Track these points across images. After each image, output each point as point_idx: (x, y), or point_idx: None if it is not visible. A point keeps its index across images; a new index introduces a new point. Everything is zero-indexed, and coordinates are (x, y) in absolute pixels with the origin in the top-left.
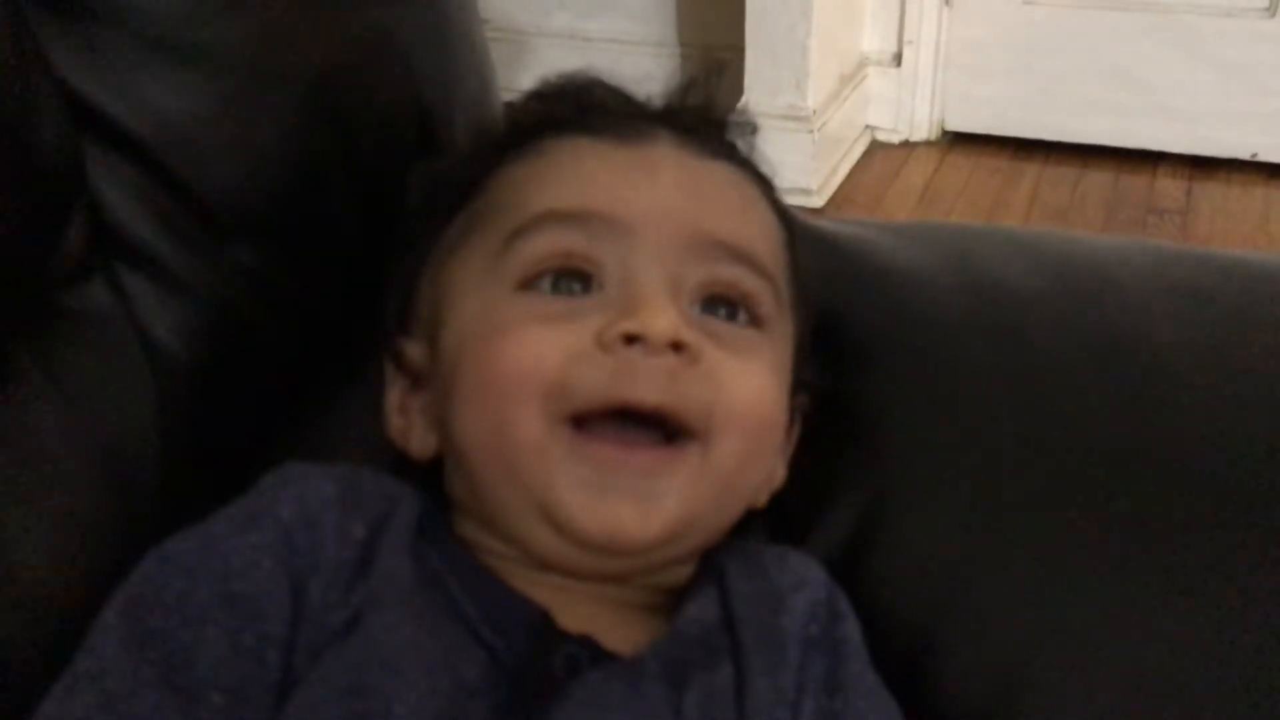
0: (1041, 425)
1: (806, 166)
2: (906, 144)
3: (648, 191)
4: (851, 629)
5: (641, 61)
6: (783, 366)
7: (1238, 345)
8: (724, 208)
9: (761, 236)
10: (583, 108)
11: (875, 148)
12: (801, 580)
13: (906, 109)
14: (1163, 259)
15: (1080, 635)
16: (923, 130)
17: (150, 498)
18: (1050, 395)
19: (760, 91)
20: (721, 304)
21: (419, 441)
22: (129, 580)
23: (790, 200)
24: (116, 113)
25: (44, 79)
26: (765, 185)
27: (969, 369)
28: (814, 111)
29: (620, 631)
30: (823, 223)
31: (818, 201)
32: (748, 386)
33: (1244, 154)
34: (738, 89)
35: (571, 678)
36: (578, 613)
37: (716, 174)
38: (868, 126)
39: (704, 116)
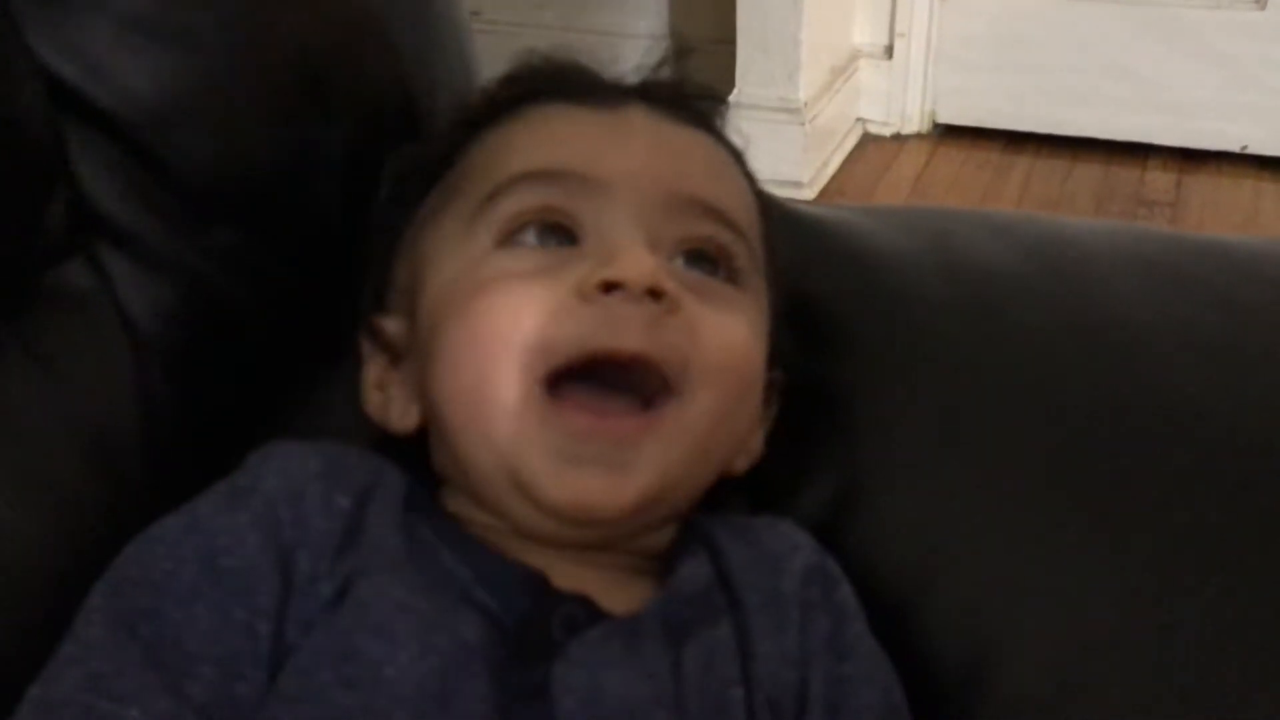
0: (1016, 401)
1: (798, 159)
2: (898, 137)
3: (623, 152)
4: (848, 592)
5: (633, 55)
6: (760, 324)
7: (1214, 325)
8: (697, 168)
9: (735, 196)
10: (557, 79)
11: (867, 140)
12: (794, 545)
13: (898, 101)
14: (1141, 240)
15: (1050, 596)
16: (914, 123)
17: (134, 475)
18: (1025, 372)
19: (752, 84)
20: (699, 260)
21: (399, 415)
22: (115, 563)
23: (781, 192)
24: (95, 94)
25: (23, 61)
26: (736, 155)
27: (945, 347)
28: (805, 104)
29: (615, 592)
30: (803, 206)
31: (809, 194)
32: (726, 337)
33: (1234, 146)
34: (729, 81)
35: (570, 636)
36: (571, 573)
37: (688, 137)
38: (859, 119)
39: (675, 91)
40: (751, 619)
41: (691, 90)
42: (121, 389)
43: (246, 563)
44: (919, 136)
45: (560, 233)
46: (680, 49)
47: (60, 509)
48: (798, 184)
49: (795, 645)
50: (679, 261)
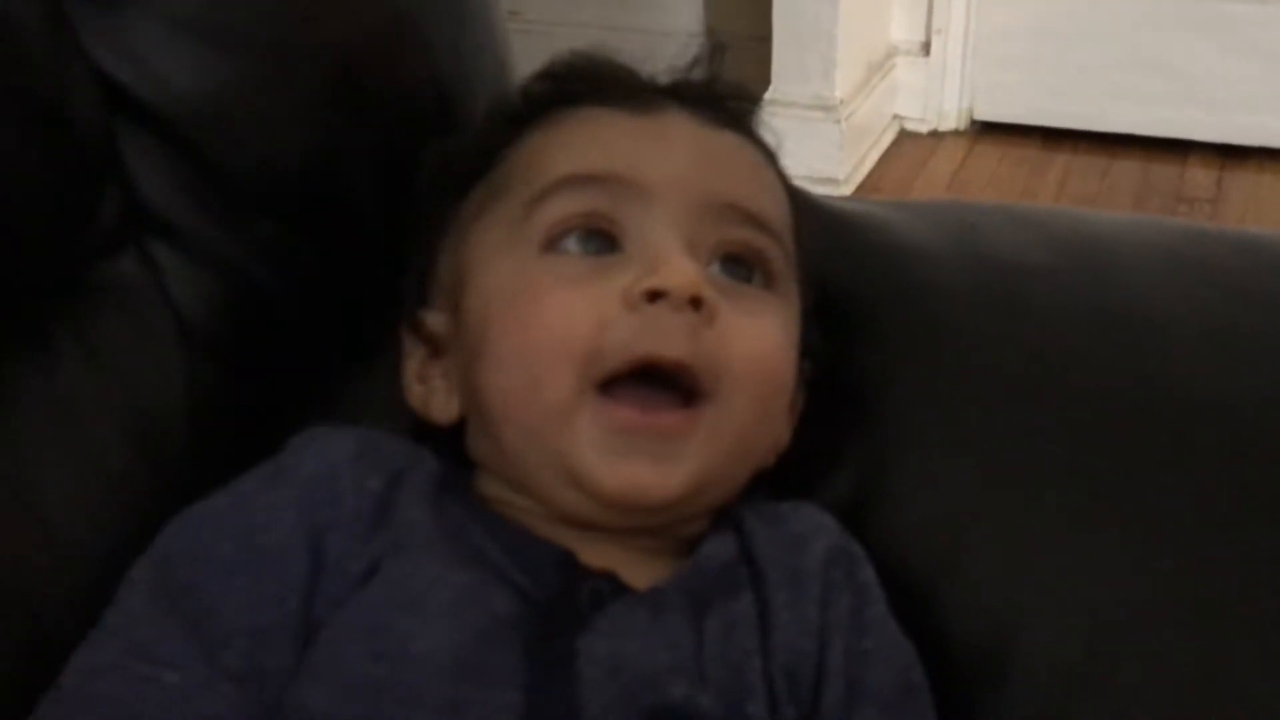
0: (1039, 392)
1: (834, 156)
2: (935, 133)
3: (663, 157)
4: (871, 575)
5: (670, 52)
6: (793, 328)
7: (1238, 317)
8: (735, 173)
9: (770, 200)
10: (594, 81)
11: (903, 137)
12: (818, 526)
13: (935, 98)
14: (1168, 233)
15: (1071, 580)
16: (951, 120)
17: (179, 459)
18: (1048, 363)
19: (787, 81)
20: (735, 264)
21: (441, 406)
22: (158, 538)
23: (817, 189)
24: (145, 92)
25: (77, 62)
26: (770, 156)
27: (970, 339)
28: (841, 101)
29: (641, 570)
30: (832, 200)
31: (845, 191)
32: (758, 345)
33: (1276, 142)
34: (765, 78)
35: (596, 609)
36: (599, 553)
37: (726, 142)
38: (896, 116)
39: (710, 91)
40: (772, 591)
41: (725, 90)
42: (169, 376)
43: (282, 539)
44: (956, 133)
45: (602, 236)
46: (714, 47)
47: (109, 490)
48: (834, 181)
49: (815, 617)
50: (715, 267)
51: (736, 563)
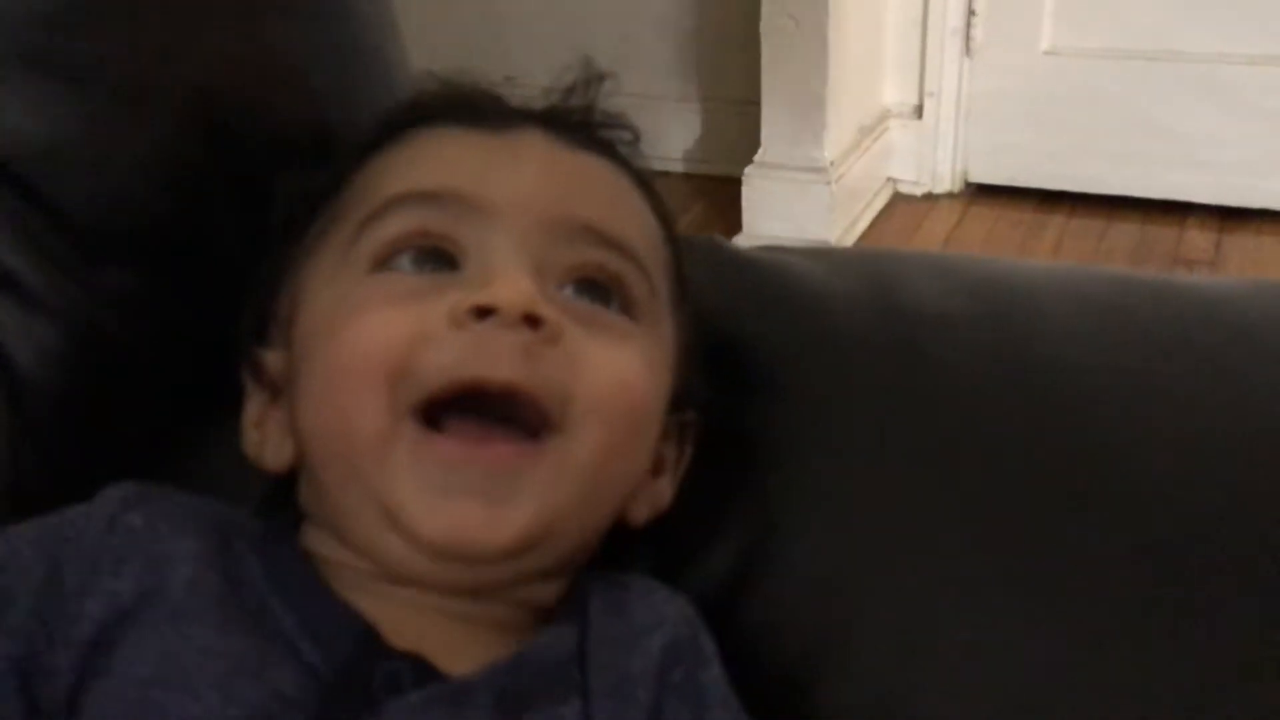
0: (940, 447)
1: (824, 218)
2: (929, 196)
3: (511, 174)
4: (715, 675)
5: (663, 116)
6: (658, 359)
7: (1151, 366)
8: (592, 194)
9: (632, 225)
10: (451, 103)
11: (897, 200)
12: (660, 619)
13: (928, 161)
14: (1094, 282)
15: (957, 653)
16: (945, 182)
17: None
18: (952, 415)
19: (778, 144)
20: (592, 289)
21: (273, 452)
22: None
23: None
24: None
25: None
26: (644, 185)
27: (869, 390)
28: (831, 163)
29: (461, 651)
30: (744, 248)
31: None
32: (612, 370)
33: (1275, 204)
34: (755, 141)
35: (391, 695)
36: (415, 628)
37: (586, 163)
38: (890, 178)
39: (582, 118)
40: (595, 703)
41: (598, 117)
42: None
43: (11, 580)
44: (951, 196)
45: (440, 258)
46: (591, 76)
47: None
48: (825, 243)
49: None
50: (569, 290)
51: (569, 662)
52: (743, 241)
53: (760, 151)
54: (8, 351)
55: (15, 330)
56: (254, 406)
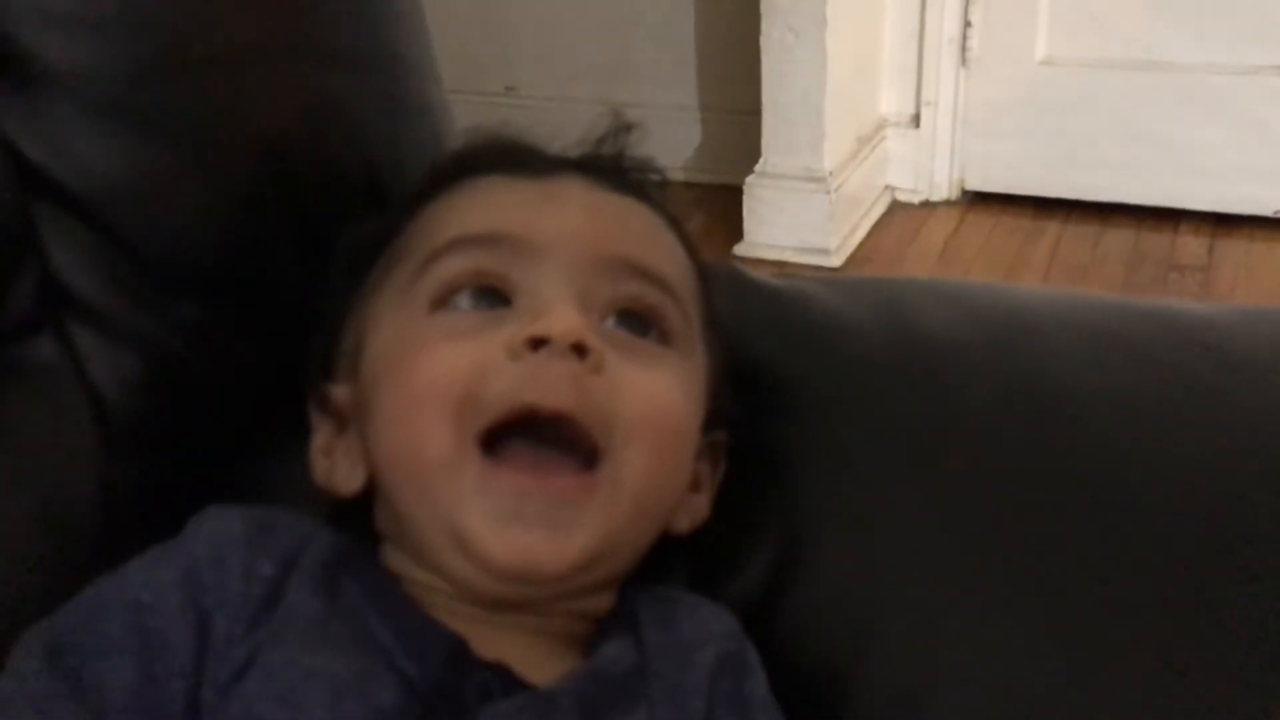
0: (954, 468)
1: (824, 226)
2: (927, 204)
3: (556, 216)
4: (759, 685)
5: (663, 125)
6: (693, 384)
7: (1156, 393)
8: (629, 232)
9: (667, 260)
10: (495, 153)
11: (895, 208)
12: (709, 634)
13: (926, 169)
14: (1093, 310)
15: (984, 666)
16: (942, 190)
17: (87, 542)
18: (964, 438)
19: (777, 153)
20: (631, 320)
21: (345, 478)
22: (51, 618)
23: (808, 259)
24: (63, 175)
25: None
26: (674, 224)
27: (887, 415)
28: (830, 172)
29: (538, 663)
30: (760, 277)
31: (835, 261)
32: (650, 393)
33: (1266, 211)
34: (755, 151)
35: (483, 703)
36: (496, 642)
37: (623, 204)
38: (887, 187)
39: (615, 164)
40: (657, 711)
41: (630, 162)
42: (82, 459)
43: (166, 623)
44: (948, 203)
45: (494, 296)
46: (621, 125)
47: (16, 575)
48: (824, 251)
49: None
50: (610, 321)
51: (633, 673)
52: (743, 249)
53: (760, 161)
54: (92, 378)
55: (98, 358)
56: (321, 436)
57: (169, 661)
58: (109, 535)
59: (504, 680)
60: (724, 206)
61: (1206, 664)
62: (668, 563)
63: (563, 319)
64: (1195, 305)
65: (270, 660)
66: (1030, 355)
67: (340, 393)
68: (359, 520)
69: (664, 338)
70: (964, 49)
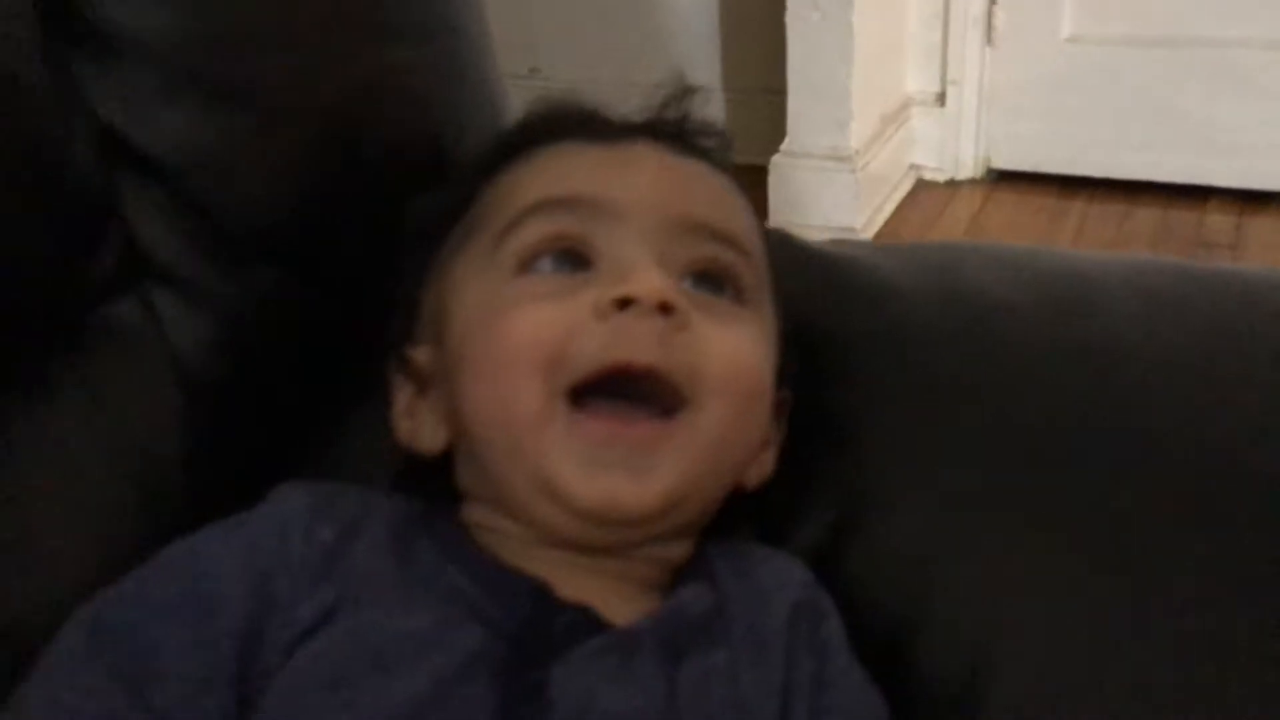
0: (1012, 429)
1: (850, 205)
2: (952, 182)
3: (633, 180)
4: (835, 628)
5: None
6: (767, 342)
7: (1210, 353)
8: (703, 194)
9: (738, 221)
10: (565, 121)
11: (920, 186)
12: (785, 581)
13: (951, 148)
14: (1149, 272)
15: (1044, 617)
16: (968, 169)
17: (174, 496)
18: (1020, 399)
19: (803, 132)
20: (707, 280)
21: (429, 437)
22: (105, 590)
23: (834, 238)
24: (145, 142)
25: (79, 114)
26: (738, 187)
27: (946, 377)
28: (856, 151)
29: (617, 605)
30: (814, 242)
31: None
32: (732, 350)
33: None
34: (781, 130)
35: (570, 642)
36: (577, 585)
37: (691, 167)
38: (913, 165)
39: (680, 127)
40: (738, 652)
41: (694, 126)
42: (165, 416)
43: (223, 587)
44: (973, 182)
45: (575, 258)
46: (685, 89)
47: (104, 531)
48: (851, 230)
49: (778, 678)
50: (688, 282)
51: (712, 614)
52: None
53: (786, 140)
54: (173, 341)
55: (178, 322)
56: (403, 398)
57: (221, 625)
58: (193, 493)
59: (589, 620)
60: (749, 185)
61: (1276, 619)
62: (737, 519)
63: (648, 280)
64: (1246, 268)
65: (351, 622)
66: (1085, 316)
67: (422, 356)
68: (431, 482)
69: (739, 297)
70: (989, 27)
